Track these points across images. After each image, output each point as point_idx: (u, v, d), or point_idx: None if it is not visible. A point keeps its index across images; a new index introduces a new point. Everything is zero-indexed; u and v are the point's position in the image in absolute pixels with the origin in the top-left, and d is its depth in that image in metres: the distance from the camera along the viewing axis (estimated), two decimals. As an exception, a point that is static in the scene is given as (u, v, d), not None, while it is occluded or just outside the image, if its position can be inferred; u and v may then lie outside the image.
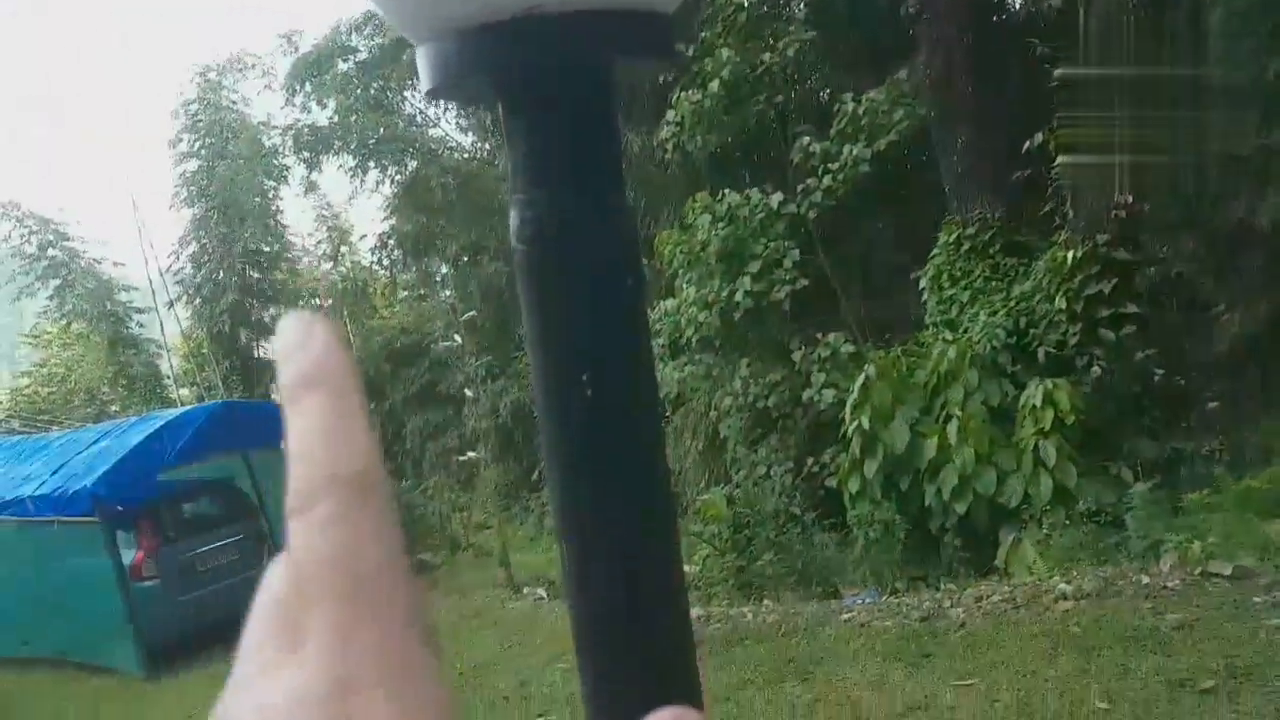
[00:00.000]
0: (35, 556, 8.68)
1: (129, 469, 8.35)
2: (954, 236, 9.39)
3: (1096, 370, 7.73)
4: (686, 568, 7.37)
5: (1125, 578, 5.48)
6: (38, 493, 8.52)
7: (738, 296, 10.67)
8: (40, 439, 11.08)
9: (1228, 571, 5.23)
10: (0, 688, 8.51)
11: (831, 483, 9.56)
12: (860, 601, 6.42)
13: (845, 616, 6.12)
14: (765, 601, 7.08)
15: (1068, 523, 6.62)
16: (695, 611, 6.87)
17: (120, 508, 8.36)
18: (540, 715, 5.71)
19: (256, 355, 19.11)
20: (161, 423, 9.02)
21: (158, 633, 8.22)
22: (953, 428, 7.53)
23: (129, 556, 8.32)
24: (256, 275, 19.36)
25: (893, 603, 6.20)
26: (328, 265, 21.07)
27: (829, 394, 9.82)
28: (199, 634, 8.50)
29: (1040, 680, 4.62)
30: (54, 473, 8.79)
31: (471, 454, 12.91)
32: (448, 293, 18.10)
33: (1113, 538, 6.30)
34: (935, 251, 9.64)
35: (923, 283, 9.66)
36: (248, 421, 9.97)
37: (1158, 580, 5.35)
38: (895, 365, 8.54)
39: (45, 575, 8.58)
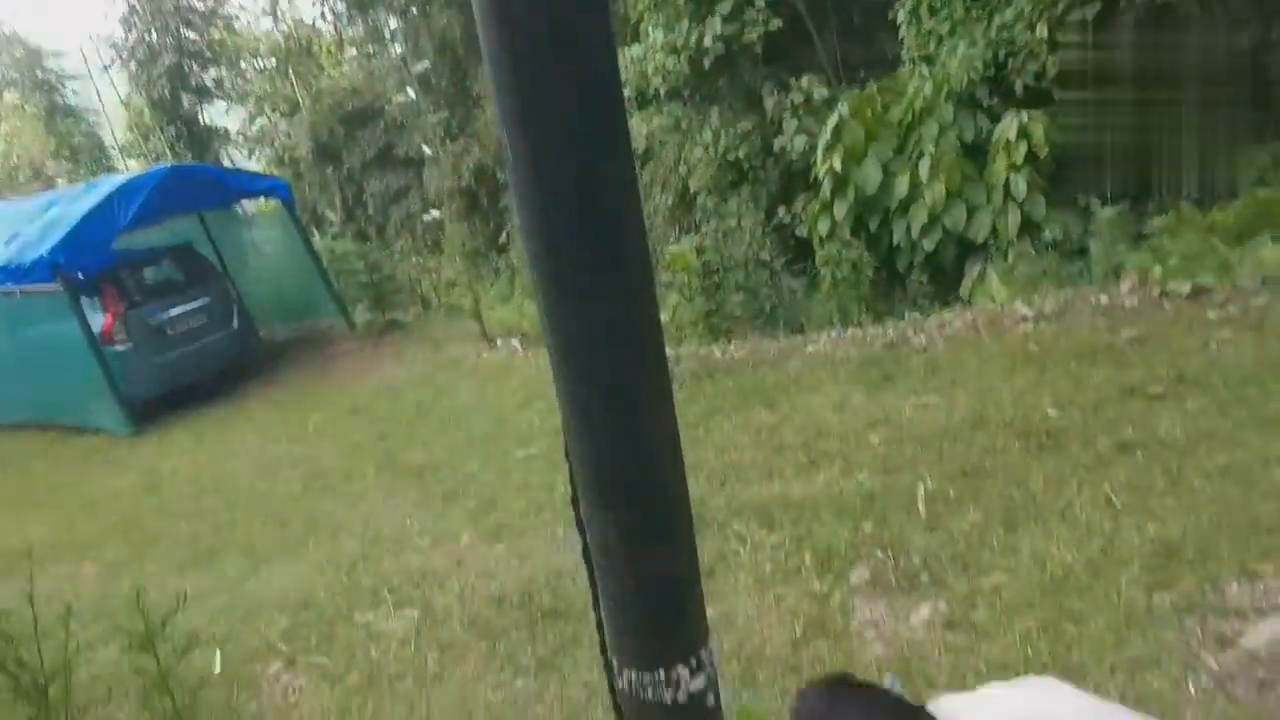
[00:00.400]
0: (2, 327, 8.61)
1: (85, 236, 8.12)
2: (936, -38, 8.78)
3: (1072, 101, 7.51)
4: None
5: (1084, 299, 5.60)
6: (-6, 264, 8.32)
7: (707, 40, 10.11)
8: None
9: (1186, 290, 5.35)
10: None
11: (802, 232, 9.54)
12: (826, 336, 6.56)
13: (810, 349, 6.28)
14: (733, 341, 7.24)
15: (1033, 252, 6.69)
16: (669, 353, 7.04)
17: (81, 275, 8.21)
18: (522, 448, 5.94)
19: (202, 121, 18.19)
20: (113, 188, 8.67)
21: (136, 393, 8.36)
22: (924, 165, 7.41)
23: (97, 323, 8.27)
24: (192, 36, 18.02)
25: (857, 334, 6.35)
26: (267, 22, 19.59)
27: (800, 141, 9.56)
28: (176, 393, 8.69)
29: (996, 394, 4.82)
30: (7, 243, 8.54)
31: (435, 213, 12.64)
32: (398, 48, 17.02)
33: (1076, 265, 6.40)
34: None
35: (900, 17, 9.15)
36: (199, 185, 9.66)
37: (1116, 300, 5.47)
38: (869, 103, 8.26)
39: (15, 344, 8.54)
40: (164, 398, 8.55)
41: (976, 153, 7.55)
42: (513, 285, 14.03)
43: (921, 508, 3.89)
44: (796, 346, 6.46)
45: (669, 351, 7.23)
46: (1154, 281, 5.49)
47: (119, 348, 8.32)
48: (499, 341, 8.79)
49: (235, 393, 9.02)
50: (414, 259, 12.53)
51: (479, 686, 3.59)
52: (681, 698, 0.83)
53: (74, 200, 8.85)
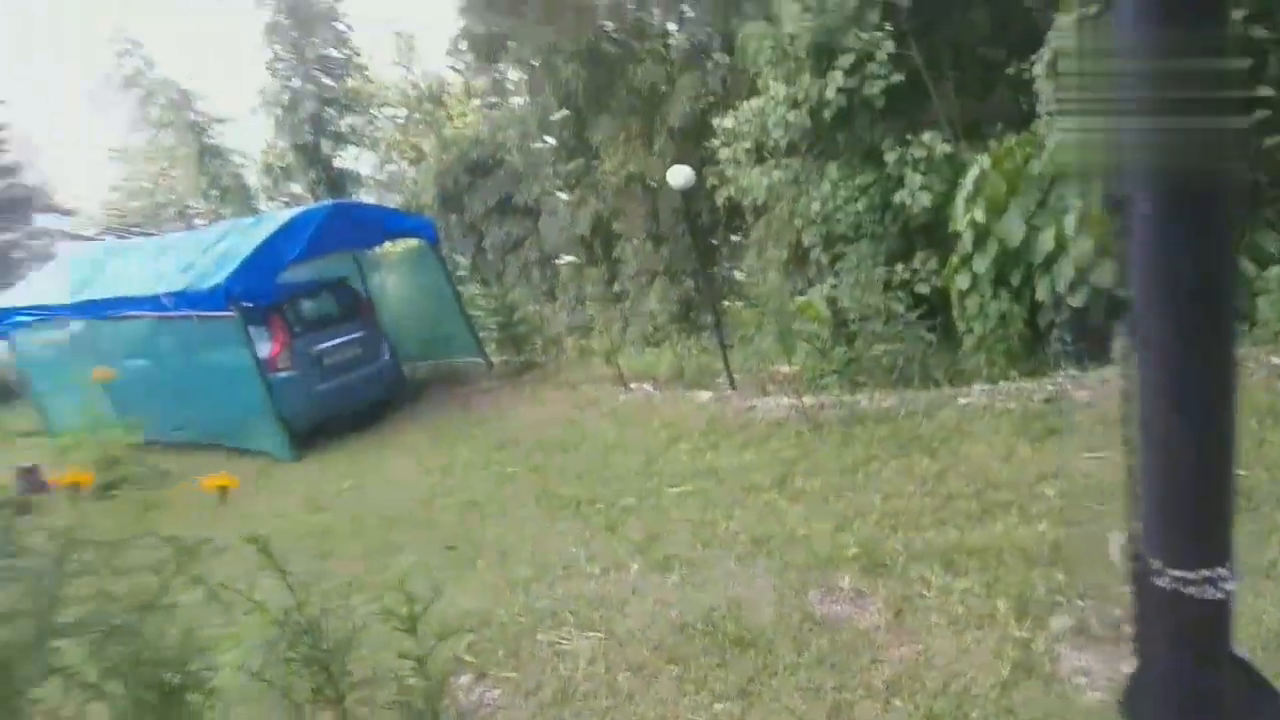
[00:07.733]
0: (177, 350, 9.23)
1: (256, 266, 8.70)
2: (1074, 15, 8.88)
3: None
4: (785, 367, 7.58)
5: (1254, 359, 5.56)
6: (172, 290, 8.94)
7: (829, 93, 10.36)
8: (157, 240, 11.50)
9: (1363, 354, 5.28)
10: (166, 464, 9.30)
11: (923, 289, 9.61)
12: (979, 389, 6.61)
13: (963, 401, 6.34)
14: (876, 392, 7.32)
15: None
16: (808, 400, 7.16)
17: (250, 304, 8.78)
18: (673, 485, 6.12)
19: (337, 166, 19.19)
20: (282, 222, 9.28)
21: (296, 418, 8.85)
22: (1070, 219, 7.43)
23: (263, 350, 8.82)
24: (330, 82, 19.10)
25: (1010, 387, 6.39)
26: (400, 71, 20.66)
27: (924, 196, 9.71)
28: (329, 422, 9.16)
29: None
30: (184, 271, 9.19)
31: (568, 258, 13.01)
32: (519, 100, 17.76)
33: (1241, 328, 6.33)
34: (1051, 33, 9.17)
35: (1038, 69, 9.24)
36: (356, 221, 10.22)
37: (1291, 365, 5.42)
38: (1009, 156, 8.33)
39: (188, 368, 9.15)
40: (319, 426, 9.03)
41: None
42: (624, 332, 14.36)
43: (1115, 558, 3.92)
44: (946, 398, 6.52)
45: (808, 399, 7.24)
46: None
47: (282, 375, 8.86)
48: (633, 385, 9.04)
49: (383, 424, 9.47)
50: (533, 305, 12.92)
51: (677, 708, 3.73)
52: (1220, 594, 1.03)
53: (245, 233, 9.48)
